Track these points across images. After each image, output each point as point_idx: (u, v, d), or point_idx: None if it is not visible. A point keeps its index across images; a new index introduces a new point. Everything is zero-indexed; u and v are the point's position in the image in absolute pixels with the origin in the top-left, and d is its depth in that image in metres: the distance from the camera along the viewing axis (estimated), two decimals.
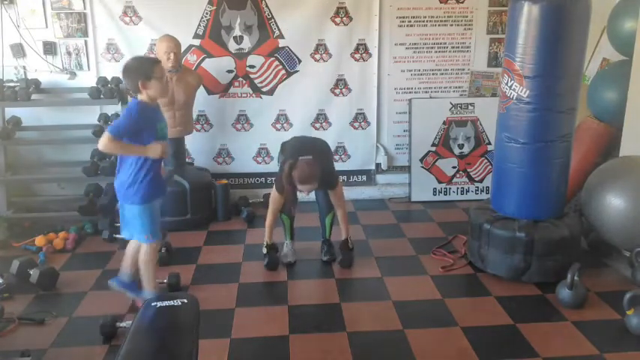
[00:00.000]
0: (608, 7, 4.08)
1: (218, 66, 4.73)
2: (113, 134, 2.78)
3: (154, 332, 2.17)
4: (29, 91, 4.35)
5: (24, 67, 4.54)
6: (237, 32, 4.66)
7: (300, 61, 4.76)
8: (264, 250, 3.74)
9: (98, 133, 4.30)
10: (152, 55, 4.41)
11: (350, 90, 4.88)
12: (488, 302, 3.27)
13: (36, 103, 4.49)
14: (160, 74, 2.85)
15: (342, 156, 5.03)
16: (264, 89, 4.82)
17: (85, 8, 4.52)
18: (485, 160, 4.96)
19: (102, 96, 4.33)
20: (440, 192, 4.99)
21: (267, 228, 3.74)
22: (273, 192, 3.64)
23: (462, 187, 5.00)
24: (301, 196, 3.83)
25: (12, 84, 4.43)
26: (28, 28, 4.49)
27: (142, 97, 2.86)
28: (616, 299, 3.12)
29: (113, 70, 4.56)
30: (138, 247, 3.12)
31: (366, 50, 4.82)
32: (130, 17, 4.56)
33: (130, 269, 3.18)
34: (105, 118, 4.50)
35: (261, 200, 4.89)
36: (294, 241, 3.86)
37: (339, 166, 4.96)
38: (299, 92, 4.83)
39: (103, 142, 2.78)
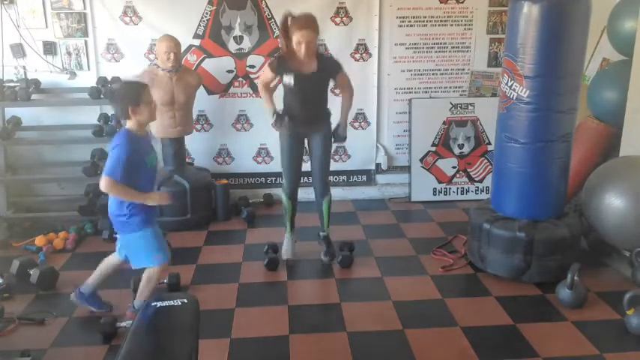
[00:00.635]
0: (608, 7, 4.08)
1: (218, 66, 4.73)
2: (111, 176, 2.74)
3: (154, 332, 2.16)
4: (29, 91, 4.35)
5: (24, 67, 4.54)
6: (237, 32, 4.66)
7: None
8: (273, 116, 3.49)
9: (98, 133, 4.32)
10: (153, 62, 4.41)
11: None
12: (488, 302, 3.27)
13: (36, 103, 4.49)
14: (148, 98, 2.84)
15: (342, 156, 5.03)
16: None
17: (85, 8, 4.52)
18: (486, 160, 4.96)
19: (102, 96, 4.33)
20: (440, 192, 4.99)
21: (264, 101, 3.58)
22: (265, 69, 3.55)
23: (462, 187, 5.00)
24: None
25: (12, 84, 4.43)
26: (28, 28, 4.49)
27: (131, 124, 2.84)
28: (616, 299, 3.12)
29: (113, 70, 4.57)
30: (112, 264, 3.11)
31: (366, 50, 4.82)
32: (130, 17, 4.57)
33: (94, 282, 3.15)
34: (105, 118, 4.50)
35: (261, 200, 4.89)
36: (293, 233, 3.83)
37: (339, 166, 4.98)
38: None
39: (104, 186, 2.76)
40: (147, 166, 2.89)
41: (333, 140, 3.64)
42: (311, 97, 3.51)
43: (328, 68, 3.50)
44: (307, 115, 3.51)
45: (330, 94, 4.78)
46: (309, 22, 3.30)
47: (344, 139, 3.69)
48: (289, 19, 3.33)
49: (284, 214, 3.83)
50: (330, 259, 3.76)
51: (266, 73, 3.55)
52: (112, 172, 2.74)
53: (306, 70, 3.42)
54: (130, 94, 2.81)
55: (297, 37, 3.29)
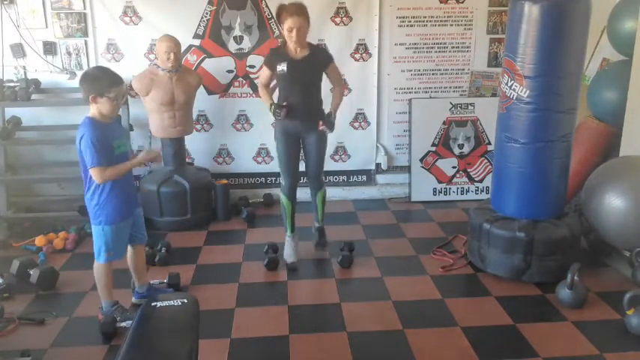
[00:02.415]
0: (608, 7, 4.08)
1: (218, 66, 4.73)
2: (98, 165, 2.76)
3: (154, 332, 2.16)
4: (29, 91, 4.35)
5: (24, 67, 4.54)
6: (237, 32, 4.66)
7: None
8: (271, 108, 3.51)
9: None
10: (153, 62, 4.41)
11: (350, 90, 4.88)
12: (488, 302, 3.28)
13: (36, 103, 4.49)
14: (114, 95, 2.78)
15: (342, 156, 5.03)
16: None
17: (85, 8, 4.52)
18: (486, 160, 4.96)
19: None
20: (440, 192, 4.98)
21: (262, 98, 3.67)
22: (262, 69, 3.63)
23: (462, 187, 5.00)
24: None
25: (12, 84, 4.43)
26: (28, 28, 4.49)
27: (93, 110, 2.83)
28: (616, 299, 3.12)
29: (113, 70, 4.56)
30: (131, 256, 3.16)
31: (366, 50, 4.82)
32: (130, 17, 4.56)
33: (139, 279, 3.25)
34: None
35: (261, 200, 4.89)
36: (295, 234, 3.81)
37: (339, 166, 4.99)
38: None
39: (98, 177, 2.78)
40: (115, 153, 2.86)
41: (321, 125, 3.55)
42: (304, 84, 3.53)
43: (319, 56, 3.58)
44: (302, 105, 3.51)
45: (330, 94, 4.84)
46: (298, 9, 3.38)
47: (332, 126, 3.58)
48: (281, 8, 3.42)
49: (283, 215, 3.81)
50: (320, 249, 3.71)
51: (263, 72, 3.63)
52: (96, 162, 2.75)
53: (299, 57, 3.48)
54: (97, 84, 2.77)
55: (287, 24, 3.36)
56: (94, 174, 2.78)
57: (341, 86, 3.69)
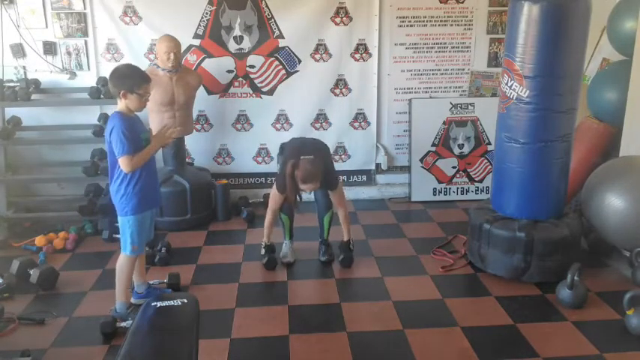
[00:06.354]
0: (608, 7, 4.08)
1: (218, 66, 4.73)
2: (127, 154, 2.81)
3: (154, 332, 2.16)
4: (29, 91, 4.36)
5: (24, 67, 4.54)
6: (237, 32, 4.66)
7: (300, 61, 4.76)
8: (262, 251, 3.75)
9: (98, 133, 4.31)
10: (153, 62, 4.42)
11: (350, 90, 4.88)
12: (488, 302, 3.28)
13: (36, 103, 4.50)
14: (144, 92, 2.88)
15: (342, 156, 5.03)
16: (264, 89, 4.81)
17: (85, 8, 4.52)
18: (485, 160, 4.96)
19: (102, 96, 4.34)
20: (440, 192, 4.99)
21: (265, 228, 3.74)
22: (274, 191, 3.63)
23: (462, 187, 5.00)
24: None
25: (12, 84, 4.43)
26: (28, 28, 4.49)
27: (120, 105, 2.89)
28: (616, 299, 3.12)
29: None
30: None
31: (366, 50, 4.82)
32: (130, 17, 4.56)
33: (138, 279, 3.26)
34: (105, 118, 4.50)
35: (261, 200, 4.89)
36: (292, 240, 3.86)
37: (339, 166, 4.97)
38: (299, 92, 4.83)
39: (127, 166, 2.83)
40: (143, 143, 2.94)
41: (340, 261, 3.74)
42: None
43: (326, 185, 3.58)
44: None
45: (330, 94, 4.86)
46: (313, 176, 3.35)
47: (351, 262, 3.73)
48: (295, 171, 3.36)
49: (282, 229, 3.84)
50: (328, 260, 3.76)
51: (276, 198, 3.61)
52: (125, 151, 2.81)
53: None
54: (128, 80, 2.84)
55: (302, 187, 3.39)
56: (124, 163, 2.83)
57: (344, 208, 3.69)
